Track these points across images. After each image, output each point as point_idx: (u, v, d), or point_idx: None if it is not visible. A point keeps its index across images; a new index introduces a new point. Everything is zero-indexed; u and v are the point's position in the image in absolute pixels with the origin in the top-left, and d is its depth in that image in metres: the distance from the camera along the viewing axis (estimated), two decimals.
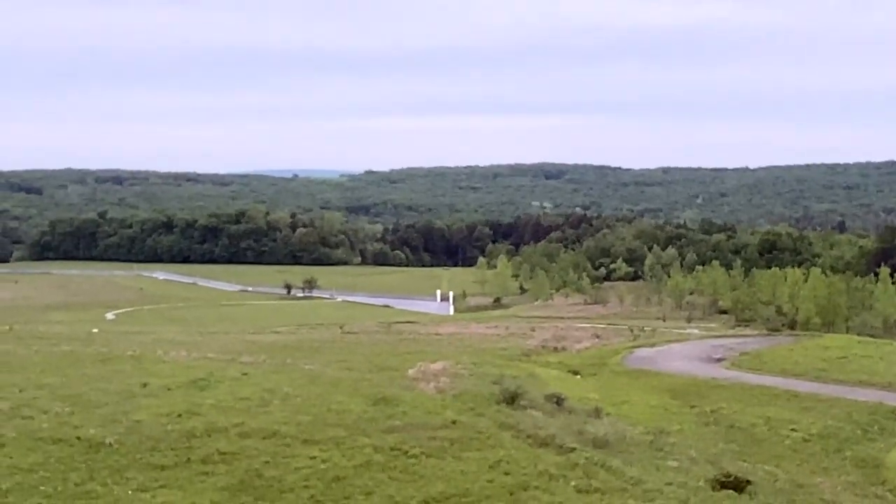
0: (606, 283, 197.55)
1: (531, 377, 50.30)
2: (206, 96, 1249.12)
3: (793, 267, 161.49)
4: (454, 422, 34.87)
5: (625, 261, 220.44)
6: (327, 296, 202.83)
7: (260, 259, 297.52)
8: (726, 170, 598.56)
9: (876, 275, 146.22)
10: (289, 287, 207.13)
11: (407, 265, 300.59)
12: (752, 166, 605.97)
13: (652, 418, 42.81)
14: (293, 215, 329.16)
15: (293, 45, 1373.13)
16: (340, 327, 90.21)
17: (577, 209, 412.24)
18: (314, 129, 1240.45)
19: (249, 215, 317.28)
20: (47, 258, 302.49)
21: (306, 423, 33.65)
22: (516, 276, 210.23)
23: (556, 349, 68.30)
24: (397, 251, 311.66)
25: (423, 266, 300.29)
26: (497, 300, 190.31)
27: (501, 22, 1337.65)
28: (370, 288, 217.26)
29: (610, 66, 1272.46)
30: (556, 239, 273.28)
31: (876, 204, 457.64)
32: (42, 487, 27.11)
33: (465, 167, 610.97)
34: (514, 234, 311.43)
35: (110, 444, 30.48)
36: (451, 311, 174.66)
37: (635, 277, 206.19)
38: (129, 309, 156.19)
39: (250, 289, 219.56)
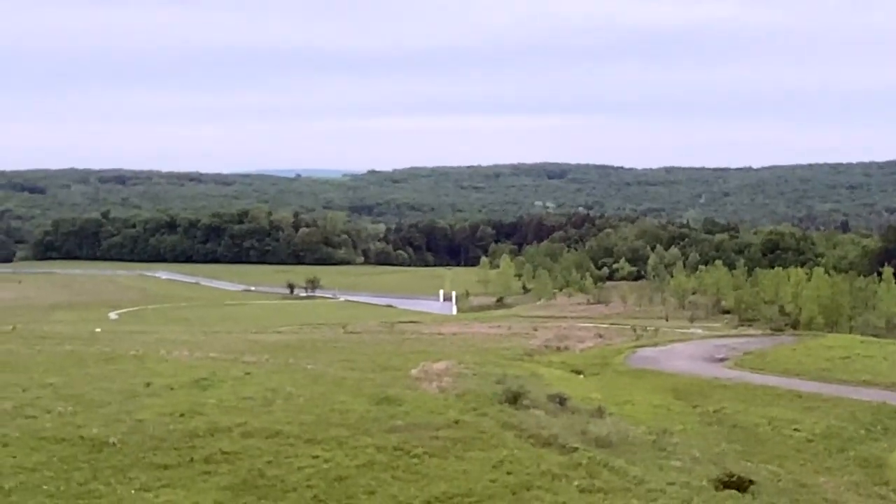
0: (609, 283, 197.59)
1: (534, 377, 50.26)
2: (209, 96, 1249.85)
3: (796, 267, 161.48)
4: (457, 421, 34.86)
5: (628, 260, 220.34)
6: (330, 295, 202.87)
7: (263, 259, 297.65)
8: (729, 169, 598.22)
9: (879, 274, 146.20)
10: (291, 287, 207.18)
11: (410, 265, 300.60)
12: (755, 166, 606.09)
13: (655, 418, 42.77)
14: (296, 215, 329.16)
15: (295, 44, 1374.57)
16: (343, 327, 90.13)
17: (580, 209, 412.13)
18: (317, 128, 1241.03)
19: (252, 215, 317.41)
20: (50, 258, 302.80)
21: (309, 423, 33.66)
22: (519, 275, 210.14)
23: (558, 349, 68.24)
24: (400, 251, 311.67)
25: (426, 266, 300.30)
26: (500, 300, 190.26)
27: (504, 21, 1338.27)
28: (373, 288, 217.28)
29: (612, 66, 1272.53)
30: (559, 238, 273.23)
31: (879, 204, 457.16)
32: (45, 487, 27.14)
33: (468, 167, 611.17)
34: (516, 234, 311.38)
35: (113, 444, 30.51)
36: (454, 311, 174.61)
37: (638, 277, 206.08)
38: (132, 309, 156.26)
39: (253, 288, 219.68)
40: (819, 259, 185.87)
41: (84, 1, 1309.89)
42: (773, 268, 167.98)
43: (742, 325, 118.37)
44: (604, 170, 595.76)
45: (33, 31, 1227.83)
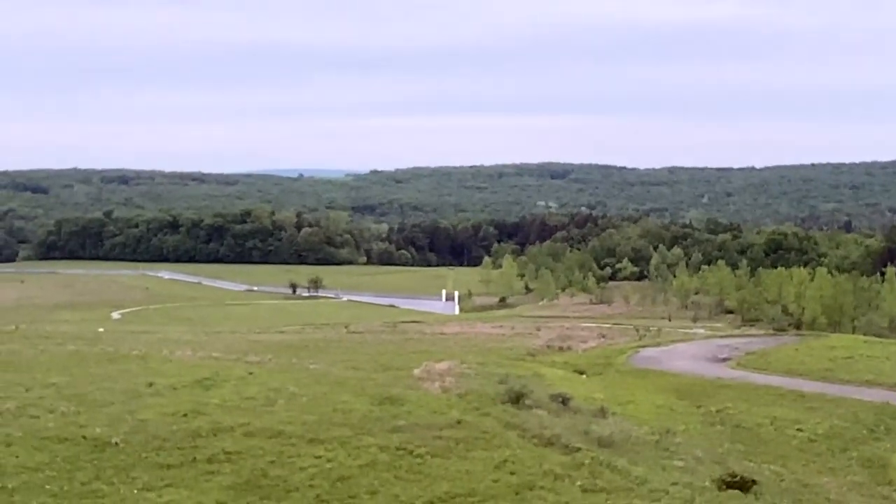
0: (612, 283, 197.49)
1: (536, 377, 50.22)
2: (212, 96, 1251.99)
3: (799, 266, 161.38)
4: (459, 421, 34.86)
5: (630, 260, 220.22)
6: (332, 295, 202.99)
7: (265, 259, 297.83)
8: (732, 169, 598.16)
9: (882, 274, 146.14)
10: (294, 287, 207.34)
11: (412, 265, 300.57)
12: (757, 166, 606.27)
13: (657, 418, 42.74)
14: (298, 215, 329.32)
15: (299, 44, 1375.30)
16: (346, 327, 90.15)
17: (583, 209, 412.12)
18: (319, 128, 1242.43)
19: (255, 215, 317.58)
20: (53, 258, 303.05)
21: (311, 423, 33.67)
22: (522, 275, 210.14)
23: (561, 349, 68.16)
24: (402, 251, 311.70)
25: (429, 266, 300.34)
26: (502, 300, 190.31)
27: (506, 21, 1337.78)
28: (375, 287, 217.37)
29: (615, 66, 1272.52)
30: (562, 238, 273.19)
31: (882, 203, 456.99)
32: (48, 486, 27.16)
33: (471, 167, 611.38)
34: (519, 234, 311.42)
35: (116, 444, 30.53)
36: (457, 311, 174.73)
37: (641, 277, 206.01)
38: (134, 308, 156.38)
39: (256, 288, 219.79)
40: (822, 259, 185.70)
41: (87, 1, 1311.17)
42: (775, 268, 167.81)
43: (745, 325, 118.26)
44: (606, 170, 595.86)
45: (36, 31, 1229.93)
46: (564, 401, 40.56)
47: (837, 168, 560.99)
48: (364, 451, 31.00)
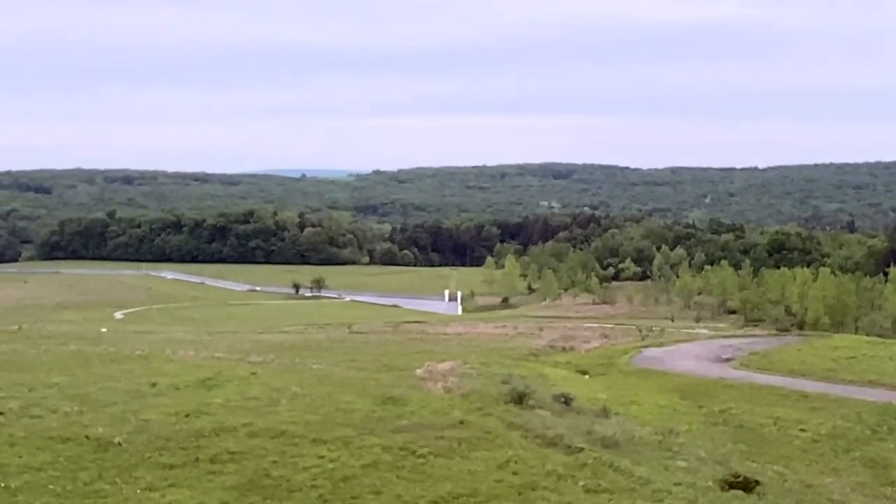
0: (615, 283, 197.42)
1: (539, 377, 50.19)
2: (215, 96, 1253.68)
3: (802, 267, 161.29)
4: (462, 422, 34.85)
5: (633, 260, 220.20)
6: (335, 295, 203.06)
7: (268, 259, 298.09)
8: (735, 169, 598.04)
9: (885, 274, 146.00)
10: (297, 287, 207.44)
11: (415, 265, 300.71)
12: (760, 166, 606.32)
13: (660, 418, 42.70)
14: (301, 215, 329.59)
15: (301, 44, 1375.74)
16: (348, 327, 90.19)
17: (586, 209, 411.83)
18: (322, 128, 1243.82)
19: (258, 215, 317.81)
20: (56, 258, 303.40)
21: (314, 423, 33.67)
22: (524, 275, 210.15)
23: (564, 349, 68.12)
24: (405, 251, 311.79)
25: (431, 266, 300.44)
26: (505, 300, 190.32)
27: (509, 21, 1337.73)
28: (378, 288, 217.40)
29: (618, 66, 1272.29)
30: (565, 239, 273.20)
31: (885, 203, 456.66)
32: (51, 486, 27.17)
33: (473, 167, 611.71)
34: (522, 234, 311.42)
35: (119, 444, 30.53)
36: (459, 311, 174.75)
37: (644, 277, 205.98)
38: (137, 308, 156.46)
39: (258, 288, 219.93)
40: (825, 259, 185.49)
41: (87, 1, 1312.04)
42: (778, 268, 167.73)
43: (748, 326, 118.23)
44: (609, 170, 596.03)
45: (36, 31, 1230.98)
46: (567, 401, 40.54)
47: (840, 168, 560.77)
48: (367, 451, 30.99)
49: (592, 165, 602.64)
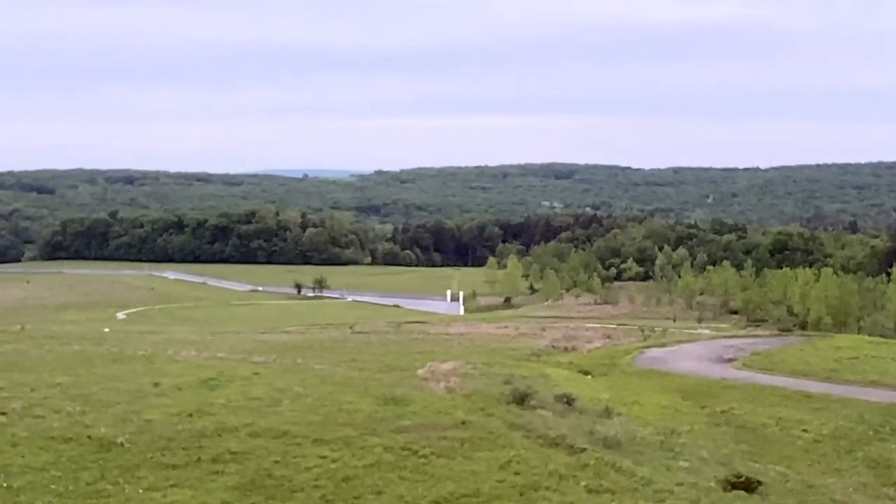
0: (617, 283, 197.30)
1: (541, 377, 50.20)
2: (217, 96, 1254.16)
3: (804, 267, 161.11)
4: (464, 422, 34.87)
5: (635, 261, 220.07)
6: (337, 296, 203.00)
7: (270, 259, 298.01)
8: (737, 169, 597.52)
9: (887, 275, 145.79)
10: (299, 287, 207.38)
11: (417, 265, 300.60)
12: (763, 166, 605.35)
13: (662, 419, 42.70)
14: (303, 215, 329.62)
15: (303, 44, 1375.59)
16: (350, 327, 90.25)
17: (588, 209, 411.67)
18: (324, 128, 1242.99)
19: (260, 215, 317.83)
20: (58, 258, 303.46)
21: (316, 423, 33.69)
22: (526, 276, 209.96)
23: (566, 349, 68.16)
24: (407, 251, 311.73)
25: (434, 266, 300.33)
26: (507, 300, 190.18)
27: (509, 21, 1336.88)
28: (380, 288, 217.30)
29: (620, 65, 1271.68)
30: (567, 239, 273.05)
31: (887, 204, 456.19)
32: (53, 486, 27.21)
33: (475, 167, 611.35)
34: (524, 234, 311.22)
35: (121, 444, 30.57)
36: (462, 311, 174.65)
37: (646, 277, 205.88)
38: (139, 308, 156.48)
39: (261, 289, 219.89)
40: (827, 259, 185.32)
41: (87, 1, 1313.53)
42: (781, 268, 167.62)
43: (750, 326, 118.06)
44: (611, 170, 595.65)
45: (38, 31, 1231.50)
46: (569, 401, 40.55)
47: (843, 168, 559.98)
48: (369, 451, 31.01)
49: (594, 165, 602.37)
